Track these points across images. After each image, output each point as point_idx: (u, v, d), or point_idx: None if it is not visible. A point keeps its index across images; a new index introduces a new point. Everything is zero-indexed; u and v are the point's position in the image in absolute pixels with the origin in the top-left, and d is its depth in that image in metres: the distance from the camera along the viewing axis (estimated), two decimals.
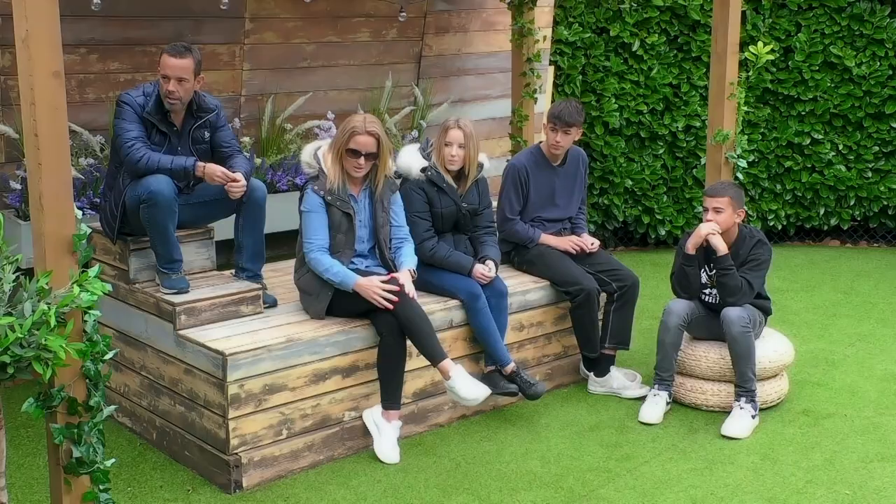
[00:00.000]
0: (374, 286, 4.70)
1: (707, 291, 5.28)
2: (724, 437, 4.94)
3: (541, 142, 5.80)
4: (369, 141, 4.76)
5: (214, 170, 4.72)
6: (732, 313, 5.07)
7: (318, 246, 4.79)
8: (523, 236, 5.66)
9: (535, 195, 5.68)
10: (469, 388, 4.72)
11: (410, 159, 5.27)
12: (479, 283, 5.14)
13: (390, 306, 4.67)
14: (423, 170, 5.23)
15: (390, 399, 4.75)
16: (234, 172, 4.74)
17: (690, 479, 4.55)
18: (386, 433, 4.73)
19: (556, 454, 4.80)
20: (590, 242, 5.71)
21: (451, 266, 5.18)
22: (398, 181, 5.17)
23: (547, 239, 5.67)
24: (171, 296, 4.69)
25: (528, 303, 5.47)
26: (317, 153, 4.91)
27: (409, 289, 4.78)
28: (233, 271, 5.04)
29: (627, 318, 5.59)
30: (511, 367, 5.11)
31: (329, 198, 4.79)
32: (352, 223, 4.84)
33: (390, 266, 4.96)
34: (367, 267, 4.92)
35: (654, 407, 5.15)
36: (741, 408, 5.02)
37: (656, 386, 5.21)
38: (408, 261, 4.97)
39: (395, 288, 4.71)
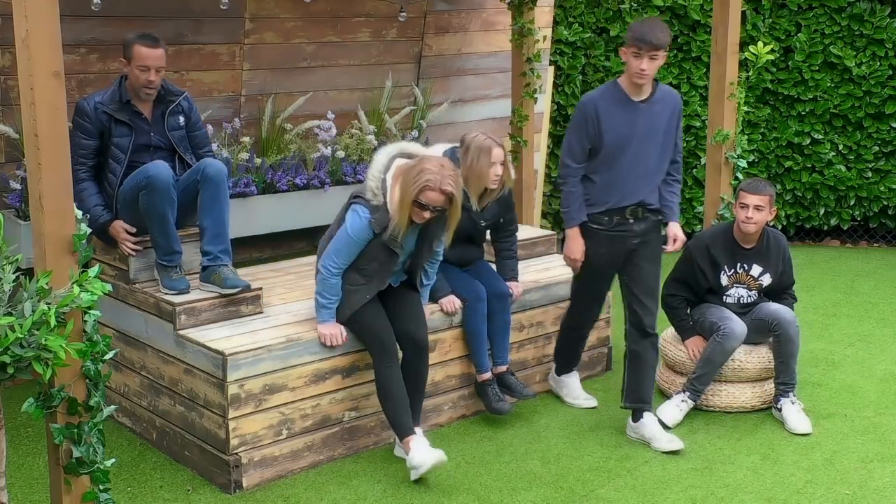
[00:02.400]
0: (333, 337, 4.63)
1: (730, 293, 5.26)
2: (795, 434, 4.98)
3: (618, 75, 5.05)
4: (440, 199, 4.44)
5: (118, 231, 4.77)
6: (787, 314, 5.11)
7: (337, 270, 4.59)
8: (564, 206, 4.88)
9: (610, 137, 4.73)
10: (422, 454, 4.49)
11: None
12: (482, 286, 5.09)
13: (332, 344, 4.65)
14: None
15: (404, 427, 4.57)
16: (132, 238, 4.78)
17: (690, 479, 4.55)
18: (414, 448, 4.50)
19: (556, 454, 4.80)
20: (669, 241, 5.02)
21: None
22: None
23: (572, 238, 4.89)
24: (172, 296, 4.69)
25: (529, 303, 5.47)
26: (385, 180, 4.54)
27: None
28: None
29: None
30: (493, 372, 5.15)
31: (386, 238, 4.52)
32: (393, 259, 4.62)
33: (416, 285, 4.84)
34: (392, 283, 4.76)
35: (678, 411, 5.13)
36: (793, 402, 5.09)
37: (687, 394, 5.16)
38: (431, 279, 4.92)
39: (341, 342, 4.65)
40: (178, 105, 4.96)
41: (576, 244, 4.88)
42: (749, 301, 5.26)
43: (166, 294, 4.71)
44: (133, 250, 4.80)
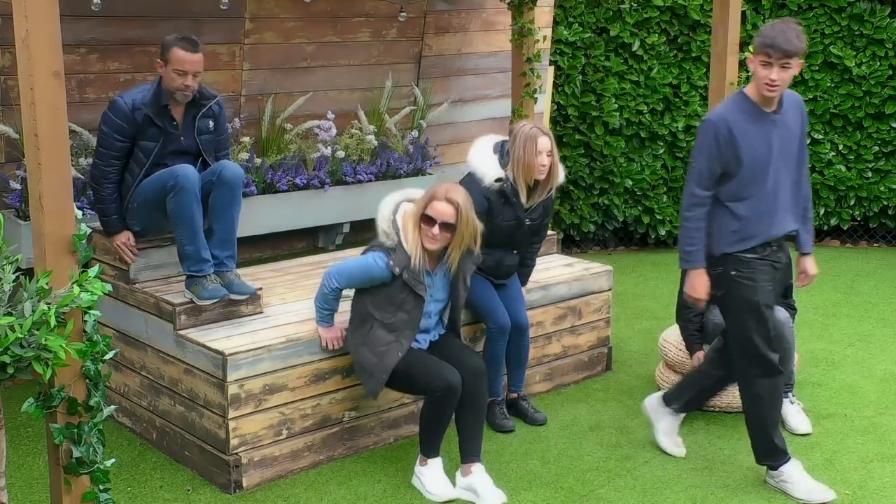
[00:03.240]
0: (333, 341, 4.61)
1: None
2: (795, 434, 4.98)
3: (742, 87, 4.39)
4: (448, 210, 4.34)
5: (120, 245, 4.79)
6: (781, 314, 4.89)
7: (337, 288, 4.52)
8: (687, 243, 4.30)
9: (748, 157, 4.17)
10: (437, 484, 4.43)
11: (486, 165, 4.94)
12: (507, 317, 5.01)
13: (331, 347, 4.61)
14: (499, 180, 4.91)
15: (432, 449, 4.50)
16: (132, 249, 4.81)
17: (690, 479, 4.55)
18: (429, 473, 4.45)
19: (556, 454, 4.80)
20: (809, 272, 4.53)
21: None
22: (479, 255, 4.65)
23: (700, 277, 4.32)
24: (173, 296, 4.69)
25: (528, 303, 5.46)
26: (396, 219, 4.47)
27: None
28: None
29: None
30: (507, 396, 5.19)
31: (406, 275, 4.38)
32: (420, 305, 4.46)
33: (459, 334, 4.74)
34: (432, 339, 4.63)
35: (801, 414, 5.10)
36: (792, 402, 5.09)
37: (790, 394, 5.09)
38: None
39: (341, 344, 4.60)
40: (210, 109, 4.86)
41: (700, 282, 4.31)
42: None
43: (202, 301, 4.62)
44: (131, 259, 4.82)
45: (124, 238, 4.80)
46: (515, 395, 5.20)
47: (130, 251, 4.81)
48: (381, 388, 4.45)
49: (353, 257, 4.59)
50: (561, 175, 5.07)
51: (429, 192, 4.42)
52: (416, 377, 4.41)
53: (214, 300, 4.60)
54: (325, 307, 4.60)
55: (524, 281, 5.30)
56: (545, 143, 4.86)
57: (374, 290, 4.45)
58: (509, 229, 4.98)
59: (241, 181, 4.73)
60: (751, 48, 4.22)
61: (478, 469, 4.41)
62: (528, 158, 4.85)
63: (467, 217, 4.39)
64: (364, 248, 4.62)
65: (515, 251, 5.12)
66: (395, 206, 4.52)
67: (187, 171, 4.57)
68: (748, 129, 4.16)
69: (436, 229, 4.35)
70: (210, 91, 4.92)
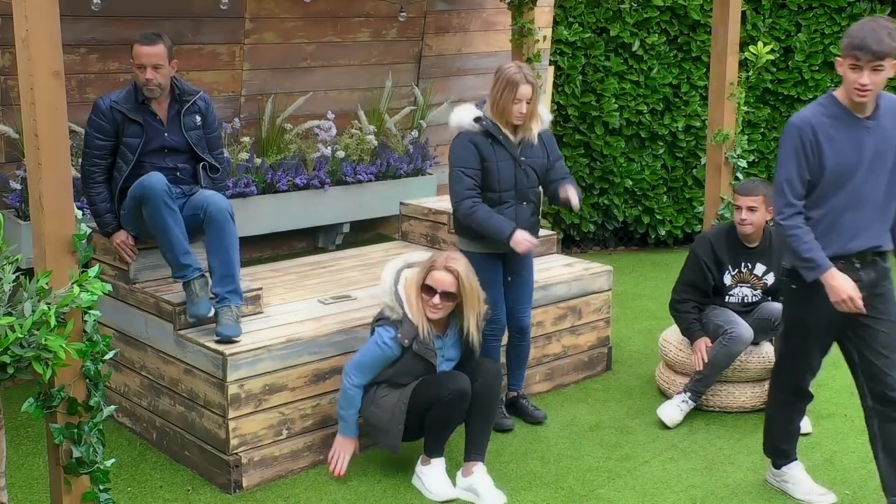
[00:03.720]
0: (341, 455, 4.50)
1: (734, 293, 5.22)
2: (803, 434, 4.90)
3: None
4: (447, 279, 4.32)
5: (118, 244, 4.78)
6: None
7: (359, 383, 4.44)
8: (805, 254, 3.90)
9: (832, 164, 3.87)
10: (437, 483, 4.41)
11: (462, 112, 4.79)
12: (504, 319, 4.92)
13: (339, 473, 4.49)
14: (476, 119, 4.71)
15: (437, 449, 4.48)
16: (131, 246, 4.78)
17: (690, 479, 4.55)
18: (430, 472, 4.44)
19: (556, 454, 4.80)
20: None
21: (489, 229, 4.63)
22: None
23: (834, 278, 3.87)
24: (173, 296, 4.69)
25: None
26: (398, 290, 4.43)
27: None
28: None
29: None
30: (507, 395, 5.16)
31: (416, 346, 4.36)
32: (431, 370, 4.43)
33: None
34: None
35: (678, 412, 5.10)
36: None
37: (688, 395, 5.13)
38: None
39: (343, 470, 4.48)
40: (195, 104, 4.85)
41: (841, 282, 3.86)
42: (753, 301, 5.25)
43: (167, 295, 4.68)
44: (131, 258, 4.81)
45: (122, 237, 4.78)
46: (515, 393, 5.20)
47: (130, 250, 4.80)
48: (400, 438, 4.42)
49: (364, 346, 4.49)
50: (545, 119, 4.86)
51: (428, 261, 4.41)
52: (423, 399, 4.37)
53: (194, 319, 4.55)
54: (350, 409, 4.47)
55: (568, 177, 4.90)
56: (525, 91, 4.63)
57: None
58: (508, 170, 4.73)
59: (227, 215, 4.61)
60: (840, 49, 3.89)
61: (479, 469, 4.40)
62: (505, 103, 4.65)
63: (470, 285, 4.36)
64: (370, 323, 4.57)
65: (525, 202, 4.81)
66: (395, 276, 4.48)
67: (153, 181, 4.51)
68: (835, 136, 3.85)
69: (437, 299, 4.34)
70: (191, 87, 4.91)
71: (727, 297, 5.25)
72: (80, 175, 4.85)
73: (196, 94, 4.88)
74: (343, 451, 4.51)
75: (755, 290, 5.24)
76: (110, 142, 4.72)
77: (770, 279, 5.22)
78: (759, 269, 5.21)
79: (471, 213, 4.67)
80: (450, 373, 4.44)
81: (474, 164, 4.71)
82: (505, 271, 4.90)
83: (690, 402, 5.14)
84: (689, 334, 5.26)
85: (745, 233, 5.13)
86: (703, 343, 5.18)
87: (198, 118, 4.87)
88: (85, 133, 4.79)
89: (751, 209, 5.06)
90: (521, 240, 4.61)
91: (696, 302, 5.26)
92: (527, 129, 4.77)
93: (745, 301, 5.25)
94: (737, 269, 5.20)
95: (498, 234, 4.63)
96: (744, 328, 5.07)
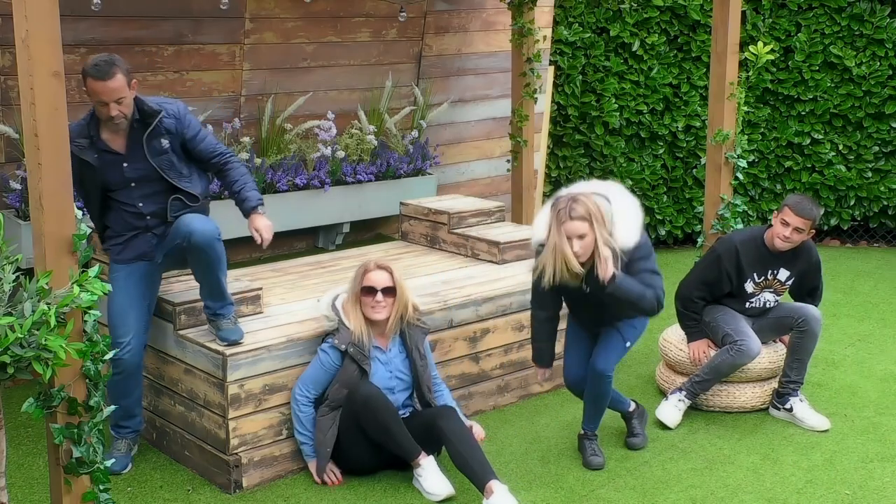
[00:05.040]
0: (326, 474, 4.45)
1: (755, 300, 5.17)
2: (816, 431, 5.00)
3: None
4: (382, 276, 4.48)
5: None
6: (814, 311, 5.09)
7: (307, 397, 4.47)
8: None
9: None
10: (435, 482, 4.35)
11: (538, 224, 4.50)
12: (575, 373, 4.73)
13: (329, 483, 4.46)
14: (541, 245, 4.42)
15: (411, 452, 4.40)
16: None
17: (690, 479, 4.55)
18: (424, 473, 4.38)
19: (556, 454, 4.80)
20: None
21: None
22: (427, 325, 4.72)
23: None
24: (173, 296, 4.69)
25: (529, 302, 5.46)
26: (335, 303, 4.57)
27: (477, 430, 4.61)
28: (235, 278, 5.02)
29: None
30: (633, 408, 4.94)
31: (351, 349, 4.43)
32: (366, 378, 4.45)
33: (431, 406, 4.60)
34: (402, 416, 4.51)
35: (676, 411, 5.10)
36: (801, 401, 5.10)
37: (684, 393, 5.11)
38: (449, 402, 4.70)
39: (336, 480, 4.45)
40: (159, 126, 4.34)
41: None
42: (773, 305, 5.22)
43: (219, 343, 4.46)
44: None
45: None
46: (583, 431, 4.81)
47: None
48: (327, 461, 4.43)
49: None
50: (623, 238, 4.33)
51: (360, 269, 4.55)
52: (348, 413, 4.39)
53: (226, 343, 4.42)
54: (304, 430, 4.48)
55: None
56: (573, 228, 4.24)
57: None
58: (576, 299, 4.57)
59: (212, 238, 4.30)
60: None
61: (498, 487, 4.21)
62: (561, 246, 4.28)
63: (402, 282, 4.53)
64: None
65: (603, 316, 4.59)
66: (333, 297, 4.62)
67: (133, 355, 4.36)
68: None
69: (378, 296, 4.47)
70: (151, 107, 4.34)
71: (747, 304, 5.18)
72: None
73: (156, 113, 4.33)
74: (321, 471, 4.47)
75: (778, 295, 5.20)
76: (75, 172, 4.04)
77: (791, 284, 5.20)
78: (784, 274, 5.14)
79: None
80: (359, 382, 4.42)
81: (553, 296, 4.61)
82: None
83: (687, 399, 5.13)
84: (689, 333, 5.25)
85: (781, 249, 5.05)
86: (704, 345, 5.17)
87: (164, 142, 4.36)
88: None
89: (798, 230, 4.96)
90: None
91: (706, 302, 5.21)
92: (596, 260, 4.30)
93: (767, 306, 5.22)
94: (762, 278, 5.13)
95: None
96: (753, 342, 5.01)
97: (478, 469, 4.24)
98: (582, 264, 4.30)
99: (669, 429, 5.04)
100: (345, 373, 4.45)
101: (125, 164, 4.35)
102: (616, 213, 4.36)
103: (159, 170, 4.37)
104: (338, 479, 4.48)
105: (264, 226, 4.54)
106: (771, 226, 5.09)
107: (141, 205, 4.42)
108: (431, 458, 4.41)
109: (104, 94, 4.18)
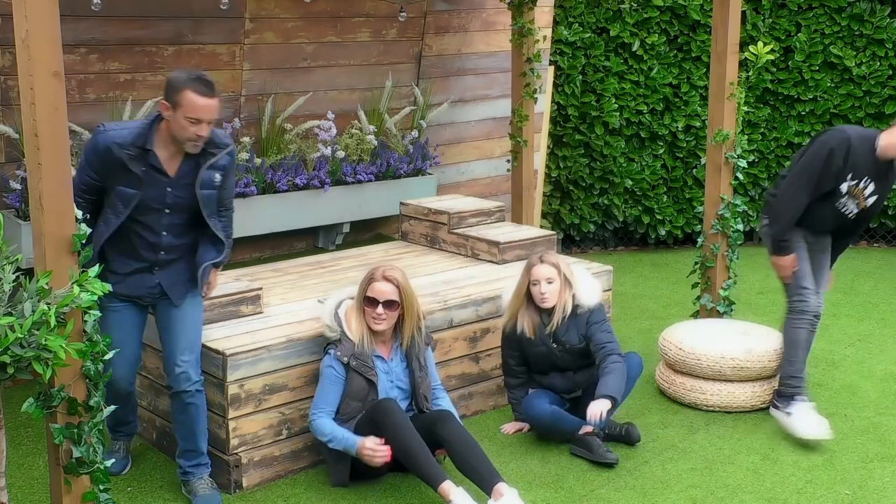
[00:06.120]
0: (370, 451, 4.25)
1: (842, 202, 4.97)
2: (814, 441, 4.88)
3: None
4: (387, 288, 4.40)
5: None
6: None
7: (324, 412, 4.38)
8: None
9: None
10: None
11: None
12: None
13: (384, 461, 4.29)
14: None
15: (436, 477, 4.20)
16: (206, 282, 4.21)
17: (690, 479, 4.56)
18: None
19: (556, 454, 4.80)
20: None
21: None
22: (432, 335, 4.76)
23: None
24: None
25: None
26: (337, 312, 4.50)
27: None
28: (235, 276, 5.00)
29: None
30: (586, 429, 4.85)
31: (353, 362, 4.39)
32: (372, 390, 4.42)
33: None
34: None
35: (817, 415, 4.91)
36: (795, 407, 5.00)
37: (802, 394, 4.97)
38: (447, 407, 4.63)
39: (386, 450, 4.24)
40: (218, 161, 4.07)
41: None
42: (851, 219, 5.05)
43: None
44: None
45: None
46: (590, 429, 4.74)
47: None
48: (346, 475, 4.41)
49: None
50: (585, 297, 4.84)
51: (366, 276, 4.49)
52: (365, 428, 4.34)
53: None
54: (334, 434, 4.34)
55: (606, 392, 4.61)
56: (541, 272, 4.78)
57: None
58: (541, 356, 4.89)
59: (200, 391, 4.20)
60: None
61: (505, 489, 4.18)
62: (521, 288, 4.85)
63: (410, 291, 4.47)
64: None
65: (568, 371, 4.93)
66: (337, 304, 4.55)
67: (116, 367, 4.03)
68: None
69: (380, 309, 4.41)
70: (223, 139, 4.11)
71: (837, 205, 4.98)
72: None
73: (225, 147, 4.10)
74: (373, 445, 4.26)
75: (858, 208, 5.01)
76: (99, 184, 3.98)
77: (871, 201, 5.00)
78: (870, 188, 4.94)
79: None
80: (380, 401, 4.36)
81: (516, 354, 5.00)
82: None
83: (802, 398, 4.97)
84: (783, 246, 5.02)
85: (889, 157, 4.87)
86: (792, 259, 5.01)
87: (218, 177, 4.09)
88: (80, 159, 4.09)
89: None
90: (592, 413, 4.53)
91: (808, 203, 4.96)
92: (563, 315, 4.83)
93: (848, 214, 5.03)
94: (856, 182, 4.91)
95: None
96: (812, 296, 5.05)
97: (484, 473, 4.22)
98: (546, 311, 4.82)
99: (824, 439, 4.87)
100: (352, 386, 4.43)
101: (169, 189, 4.02)
102: (582, 275, 4.94)
103: (201, 202, 4.06)
104: (386, 452, 4.25)
105: (215, 283, 4.39)
106: (883, 131, 4.92)
107: (164, 234, 4.09)
108: (461, 489, 4.16)
109: (206, 112, 3.88)
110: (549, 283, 4.77)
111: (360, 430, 4.36)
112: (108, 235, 4.01)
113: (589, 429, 4.69)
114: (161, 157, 3.98)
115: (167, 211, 4.05)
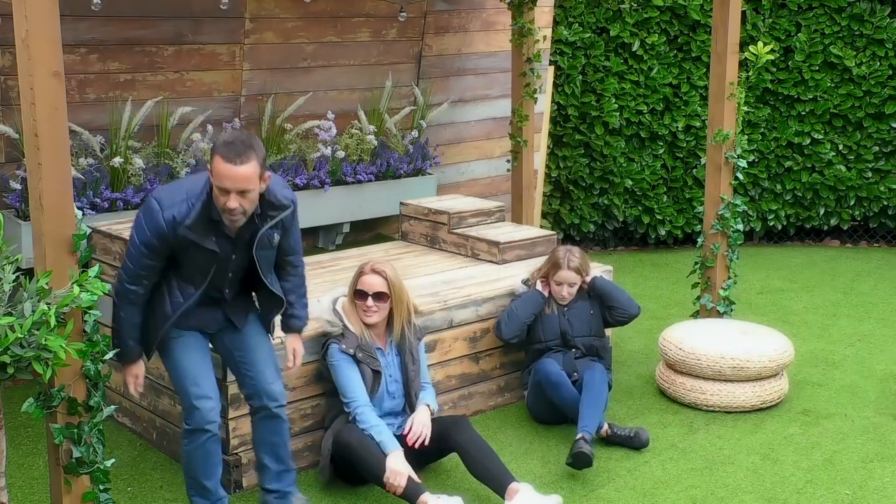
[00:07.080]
0: (399, 478, 4.14)
1: None
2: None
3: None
4: (376, 281, 4.43)
5: (131, 376, 3.91)
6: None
7: (363, 401, 4.34)
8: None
9: None
10: None
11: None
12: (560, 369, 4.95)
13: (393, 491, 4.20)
14: (525, 281, 5.29)
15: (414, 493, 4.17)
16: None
17: (690, 479, 4.55)
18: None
19: (556, 454, 4.80)
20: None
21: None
22: (424, 329, 4.78)
23: None
24: None
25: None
26: (336, 307, 4.54)
27: (424, 428, 4.41)
28: None
29: None
30: (604, 429, 4.86)
31: (360, 354, 4.41)
32: (378, 381, 4.45)
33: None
34: (398, 428, 4.46)
35: None
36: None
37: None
38: (428, 399, 4.57)
39: (400, 486, 4.15)
40: (280, 220, 3.78)
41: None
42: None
43: None
44: (138, 392, 3.99)
45: (139, 370, 3.92)
46: (580, 435, 4.63)
47: (140, 385, 3.95)
48: (327, 472, 4.40)
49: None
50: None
51: (356, 271, 4.54)
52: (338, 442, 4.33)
53: None
54: (376, 426, 4.31)
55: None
56: (567, 276, 5.16)
57: None
58: (552, 326, 5.19)
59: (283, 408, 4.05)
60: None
61: (520, 486, 4.20)
62: (545, 274, 5.22)
63: (399, 284, 4.51)
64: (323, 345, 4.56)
65: (573, 349, 5.17)
66: (333, 300, 4.60)
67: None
68: None
69: (370, 301, 4.45)
70: (281, 199, 3.76)
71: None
72: (113, 286, 3.76)
73: (286, 209, 3.78)
74: (397, 467, 4.18)
75: None
76: (162, 264, 3.71)
77: None
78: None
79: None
80: (343, 428, 4.35)
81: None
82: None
83: None
84: None
85: None
86: None
87: (277, 236, 3.81)
88: (131, 241, 3.71)
89: None
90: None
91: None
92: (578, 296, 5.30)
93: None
94: None
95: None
96: None
97: (498, 475, 4.25)
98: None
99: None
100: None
101: (233, 256, 3.76)
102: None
103: (257, 264, 3.80)
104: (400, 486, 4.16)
105: (301, 351, 4.19)
106: None
107: (227, 290, 3.88)
108: (457, 498, 4.16)
109: (231, 181, 3.52)
110: (572, 286, 5.18)
111: (336, 446, 4.33)
112: (187, 306, 3.78)
113: (604, 429, 4.86)
114: (226, 228, 3.70)
115: (230, 275, 3.83)
